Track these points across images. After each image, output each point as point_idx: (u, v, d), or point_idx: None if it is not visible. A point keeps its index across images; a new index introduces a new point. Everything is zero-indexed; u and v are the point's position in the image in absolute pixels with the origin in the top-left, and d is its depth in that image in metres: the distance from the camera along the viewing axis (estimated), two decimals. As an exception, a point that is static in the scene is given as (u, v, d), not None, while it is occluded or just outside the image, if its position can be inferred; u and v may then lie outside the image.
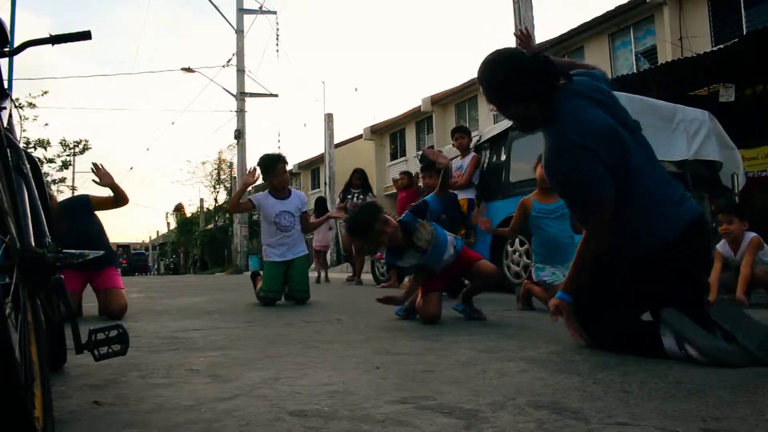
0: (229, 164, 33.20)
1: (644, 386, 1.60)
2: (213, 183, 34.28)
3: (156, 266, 44.56)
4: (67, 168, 25.01)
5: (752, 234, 4.06)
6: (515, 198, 4.82)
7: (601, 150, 2.00)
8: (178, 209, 43.01)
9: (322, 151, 17.02)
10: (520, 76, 2.12)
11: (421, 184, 6.92)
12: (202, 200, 35.93)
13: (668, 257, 2.05)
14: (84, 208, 3.93)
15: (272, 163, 4.91)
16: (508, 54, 2.19)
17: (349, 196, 8.49)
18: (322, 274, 9.83)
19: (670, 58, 10.18)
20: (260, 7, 21.23)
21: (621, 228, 2.06)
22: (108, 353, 1.53)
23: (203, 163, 43.97)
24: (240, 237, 20.82)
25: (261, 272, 5.10)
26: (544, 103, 2.14)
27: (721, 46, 8.96)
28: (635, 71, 10.07)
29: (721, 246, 4.14)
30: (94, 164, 3.94)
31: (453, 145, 6.34)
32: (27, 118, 17.32)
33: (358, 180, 8.62)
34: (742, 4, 11.31)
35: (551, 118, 2.13)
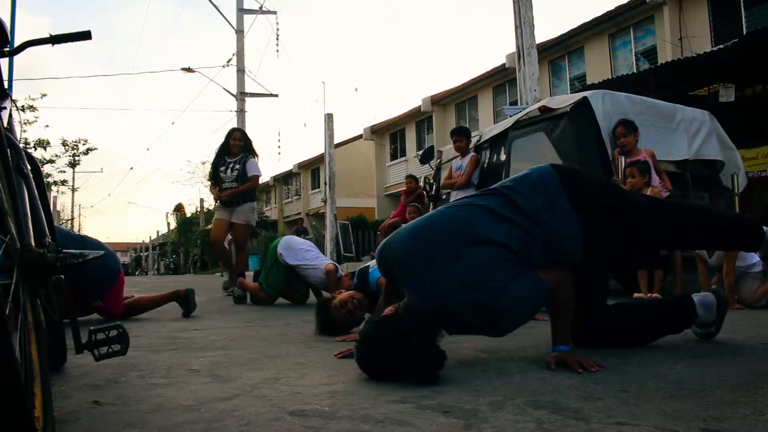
0: (229, 164, 33.09)
1: (644, 386, 1.60)
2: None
3: (156, 266, 44.67)
4: (73, 167, 24.91)
5: None
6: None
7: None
8: (178, 209, 42.97)
9: (322, 151, 17.02)
10: (395, 360, 1.74)
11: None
12: (202, 200, 35.79)
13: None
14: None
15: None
16: (373, 351, 1.79)
17: (222, 168, 5.97)
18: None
19: (670, 58, 10.17)
20: (260, 7, 21.19)
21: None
22: (108, 353, 1.52)
23: (203, 163, 43.75)
24: (240, 237, 20.79)
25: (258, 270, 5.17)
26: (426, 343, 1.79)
27: (721, 46, 8.96)
28: (635, 71, 10.06)
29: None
30: None
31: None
32: (27, 121, 17.26)
33: (240, 142, 6.04)
34: (742, 4, 11.30)
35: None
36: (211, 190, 6.35)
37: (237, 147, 6.01)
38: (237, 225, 5.96)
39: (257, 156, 6.12)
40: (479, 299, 1.82)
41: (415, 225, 2.01)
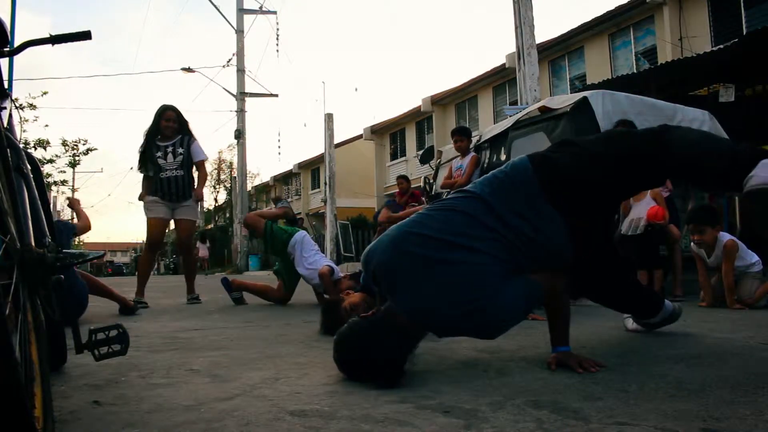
0: (228, 164, 33.25)
1: (644, 386, 1.60)
2: (213, 183, 34.32)
3: (156, 266, 44.90)
4: (73, 167, 24.97)
5: (726, 237, 3.96)
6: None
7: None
8: (178, 209, 42.90)
9: (322, 151, 17.05)
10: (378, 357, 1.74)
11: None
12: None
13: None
14: (68, 232, 4.00)
15: None
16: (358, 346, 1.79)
17: (159, 154, 4.94)
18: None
19: (670, 58, 10.17)
20: (260, 7, 21.26)
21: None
22: (108, 353, 1.53)
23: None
24: (240, 237, 20.82)
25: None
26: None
27: (721, 46, 8.96)
28: (635, 71, 10.06)
29: (695, 246, 4.10)
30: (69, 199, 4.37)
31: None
32: (27, 120, 17.29)
33: (174, 123, 5.00)
34: (742, 4, 11.31)
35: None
36: (143, 185, 5.10)
37: (171, 129, 4.97)
38: (182, 222, 5.04)
39: (195, 138, 5.11)
40: (465, 306, 1.78)
41: (395, 232, 1.94)
